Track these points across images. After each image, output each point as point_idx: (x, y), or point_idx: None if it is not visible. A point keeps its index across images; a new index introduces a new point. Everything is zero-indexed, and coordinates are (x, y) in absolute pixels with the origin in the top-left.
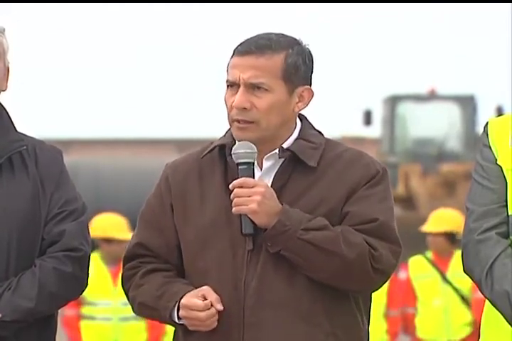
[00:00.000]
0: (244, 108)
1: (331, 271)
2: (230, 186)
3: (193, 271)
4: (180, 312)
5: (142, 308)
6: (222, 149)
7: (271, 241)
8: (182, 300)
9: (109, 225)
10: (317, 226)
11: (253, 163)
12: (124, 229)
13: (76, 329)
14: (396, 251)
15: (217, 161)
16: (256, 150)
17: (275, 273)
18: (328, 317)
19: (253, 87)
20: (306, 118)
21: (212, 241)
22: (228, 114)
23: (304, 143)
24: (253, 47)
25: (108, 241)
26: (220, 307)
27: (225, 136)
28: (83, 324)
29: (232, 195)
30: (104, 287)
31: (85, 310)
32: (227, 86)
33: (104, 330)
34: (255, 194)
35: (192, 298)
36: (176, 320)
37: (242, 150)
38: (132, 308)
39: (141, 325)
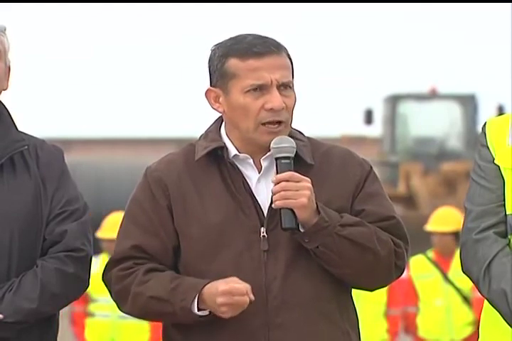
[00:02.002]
0: (283, 108)
1: (362, 266)
2: (275, 179)
3: (209, 272)
4: (220, 299)
5: (152, 302)
6: (212, 151)
7: (310, 238)
8: (221, 287)
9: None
10: (353, 222)
11: (293, 158)
12: None
13: (81, 326)
14: (407, 248)
15: (209, 163)
16: (295, 145)
17: (295, 272)
18: (340, 314)
19: (280, 87)
20: None
21: (225, 243)
22: (252, 118)
23: (296, 141)
24: (272, 46)
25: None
26: (252, 297)
27: (207, 137)
28: (86, 321)
29: (277, 188)
30: None
31: (89, 307)
32: (247, 91)
33: (102, 327)
34: (304, 188)
35: (232, 283)
36: (196, 310)
37: (285, 144)
38: (132, 305)
39: (140, 325)
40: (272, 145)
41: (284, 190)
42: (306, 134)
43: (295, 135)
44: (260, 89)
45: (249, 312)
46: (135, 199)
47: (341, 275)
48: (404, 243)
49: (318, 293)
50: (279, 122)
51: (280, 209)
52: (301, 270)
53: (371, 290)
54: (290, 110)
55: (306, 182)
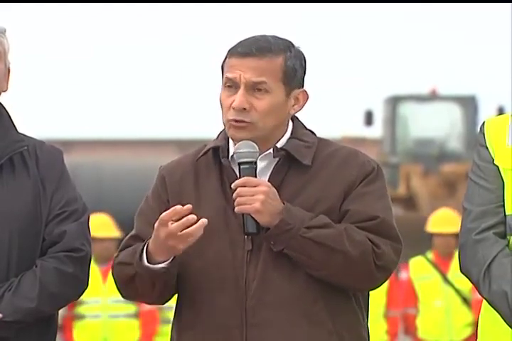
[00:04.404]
0: (244, 108)
1: (334, 268)
2: (233, 185)
3: (190, 269)
4: (155, 229)
5: (121, 267)
6: (216, 151)
7: (274, 240)
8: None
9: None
10: (320, 224)
11: (255, 163)
12: (105, 227)
13: (69, 330)
14: (397, 248)
15: (212, 163)
16: (258, 150)
17: (276, 272)
18: (330, 315)
19: (253, 88)
20: (297, 118)
21: (210, 241)
22: (224, 114)
23: (297, 142)
24: (254, 49)
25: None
26: (204, 220)
27: (217, 138)
28: (74, 324)
29: (234, 194)
30: (93, 284)
31: (78, 310)
32: (225, 86)
33: (93, 328)
34: (258, 193)
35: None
36: (146, 262)
37: (244, 149)
38: (115, 278)
39: (131, 323)
40: (234, 150)
41: (239, 196)
42: None
43: (301, 136)
44: (235, 87)
45: (228, 312)
46: (146, 196)
47: (319, 276)
48: (392, 242)
49: (300, 294)
50: (245, 122)
51: (243, 214)
52: (282, 271)
53: (363, 291)
54: (261, 113)
55: (263, 187)
